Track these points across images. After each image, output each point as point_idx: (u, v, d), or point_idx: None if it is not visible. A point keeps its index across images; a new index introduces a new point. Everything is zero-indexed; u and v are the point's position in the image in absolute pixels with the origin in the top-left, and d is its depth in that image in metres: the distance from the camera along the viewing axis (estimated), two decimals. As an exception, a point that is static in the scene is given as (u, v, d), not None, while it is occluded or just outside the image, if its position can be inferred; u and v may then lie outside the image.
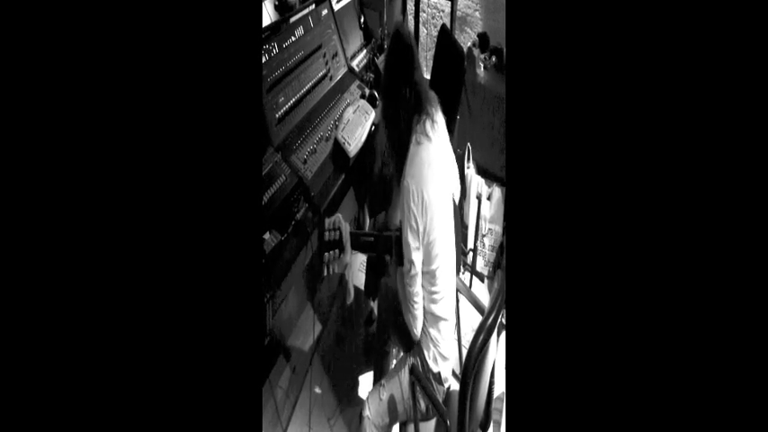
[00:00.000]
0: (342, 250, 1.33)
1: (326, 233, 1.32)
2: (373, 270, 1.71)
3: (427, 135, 1.18)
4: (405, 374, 1.29)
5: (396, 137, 1.23)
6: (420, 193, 1.13)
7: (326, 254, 1.33)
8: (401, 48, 1.18)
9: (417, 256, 1.17)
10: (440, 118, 1.27)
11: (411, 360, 1.28)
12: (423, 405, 1.28)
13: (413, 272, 1.18)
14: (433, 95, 1.24)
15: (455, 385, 1.31)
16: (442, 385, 1.28)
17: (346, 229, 1.33)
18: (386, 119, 1.26)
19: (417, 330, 1.25)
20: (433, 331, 1.24)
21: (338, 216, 1.35)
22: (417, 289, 1.20)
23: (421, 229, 1.15)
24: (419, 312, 1.23)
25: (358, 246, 1.38)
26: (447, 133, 1.31)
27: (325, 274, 1.35)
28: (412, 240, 1.16)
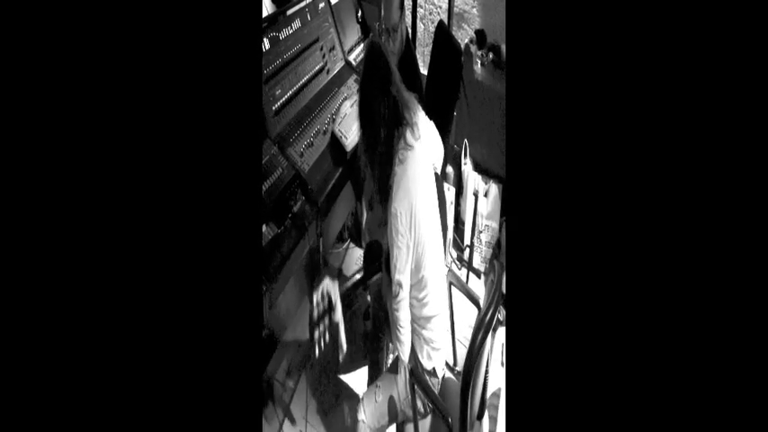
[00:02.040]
0: (333, 311, 1.30)
1: (315, 309, 1.28)
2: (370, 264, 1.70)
3: (409, 145, 1.15)
4: (401, 375, 1.28)
5: (375, 158, 1.18)
6: (408, 213, 1.10)
7: (317, 331, 1.29)
8: (376, 62, 1.14)
9: (405, 279, 1.15)
10: (420, 117, 1.23)
11: (410, 364, 1.26)
12: (421, 405, 1.26)
13: (400, 296, 1.16)
14: (409, 96, 1.20)
15: (448, 374, 1.31)
16: (437, 378, 1.26)
17: (335, 289, 1.30)
18: (366, 138, 1.21)
19: (405, 356, 1.23)
20: (424, 332, 1.22)
21: (325, 283, 1.30)
22: (404, 314, 1.18)
23: (411, 246, 1.12)
24: (406, 338, 1.20)
25: (349, 293, 1.35)
26: (430, 123, 1.28)
27: (317, 353, 1.30)
28: (400, 264, 1.13)
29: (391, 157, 1.16)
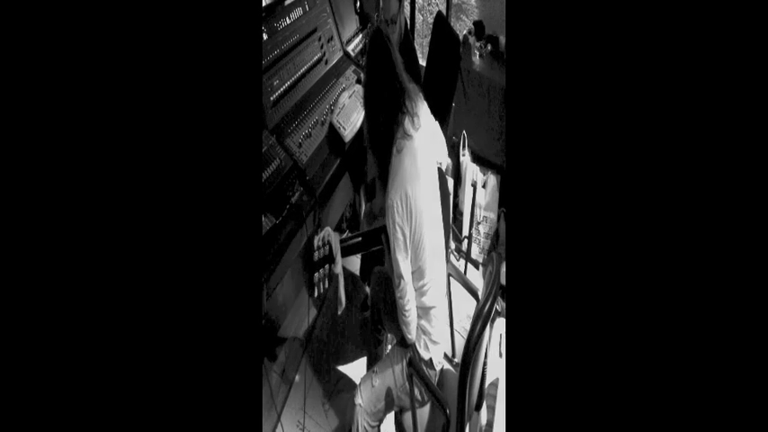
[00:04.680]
0: (333, 263, 1.31)
1: (316, 252, 1.30)
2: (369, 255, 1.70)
3: (408, 134, 1.16)
4: (398, 360, 1.29)
5: (377, 144, 1.21)
6: (404, 204, 1.11)
7: (317, 273, 1.31)
8: (380, 48, 1.15)
9: (406, 269, 1.16)
10: (422, 109, 1.24)
11: (408, 353, 1.27)
12: (418, 393, 1.27)
13: (402, 284, 1.17)
14: (413, 87, 1.21)
15: (446, 365, 1.32)
16: (434, 369, 1.28)
17: (336, 240, 1.31)
18: (368, 125, 1.23)
19: (412, 335, 1.24)
20: (423, 322, 1.23)
21: (327, 230, 1.33)
22: (409, 297, 1.19)
23: (408, 235, 1.13)
24: (411, 318, 1.22)
25: (348, 252, 1.37)
26: (431, 117, 1.29)
27: (317, 294, 1.32)
28: (400, 256, 1.15)
29: (390, 145, 1.16)
